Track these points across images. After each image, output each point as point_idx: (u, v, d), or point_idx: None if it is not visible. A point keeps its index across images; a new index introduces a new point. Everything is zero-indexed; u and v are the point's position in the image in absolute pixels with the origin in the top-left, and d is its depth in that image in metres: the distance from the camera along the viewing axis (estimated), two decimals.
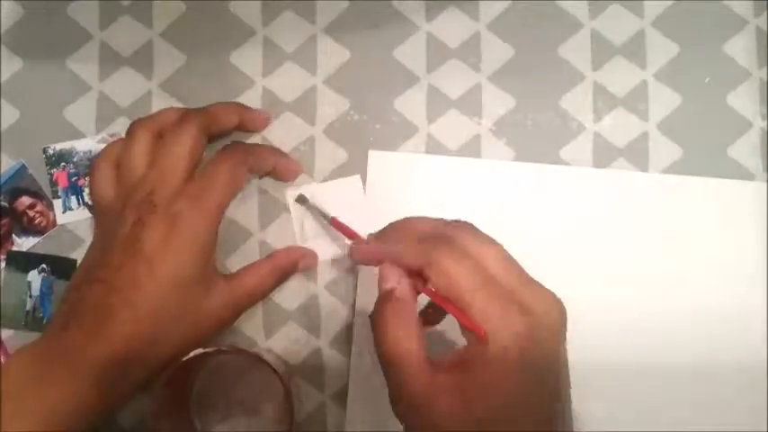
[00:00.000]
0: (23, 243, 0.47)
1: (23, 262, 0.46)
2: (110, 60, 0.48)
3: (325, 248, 0.45)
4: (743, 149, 0.46)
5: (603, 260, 0.45)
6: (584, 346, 0.43)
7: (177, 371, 0.39)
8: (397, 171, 0.46)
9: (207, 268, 0.39)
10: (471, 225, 0.36)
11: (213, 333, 0.40)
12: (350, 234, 0.42)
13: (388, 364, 0.33)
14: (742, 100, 0.46)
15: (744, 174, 0.46)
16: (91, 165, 0.43)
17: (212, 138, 0.44)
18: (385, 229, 0.38)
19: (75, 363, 0.35)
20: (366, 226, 0.41)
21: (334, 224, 0.43)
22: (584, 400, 0.43)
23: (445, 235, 0.34)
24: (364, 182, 0.46)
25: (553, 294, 0.33)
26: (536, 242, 0.45)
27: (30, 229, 0.47)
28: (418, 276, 0.35)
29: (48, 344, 0.36)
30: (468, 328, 0.32)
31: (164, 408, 0.40)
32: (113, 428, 0.44)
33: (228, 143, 0.43)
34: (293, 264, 0.44)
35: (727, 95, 0.46)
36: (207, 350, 0.38)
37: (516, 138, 0.46)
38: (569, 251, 0.45)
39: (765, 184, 0.45)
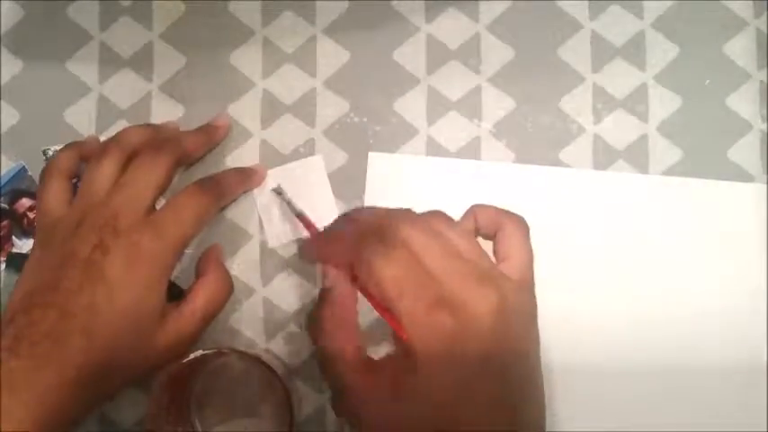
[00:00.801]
0: (23, 245, 0.47)
1: (23, 263, 0.46)
2: (110, 62, 0.48)
3: (288, 235, 0.46)
4: (743, 151, 0.46)
5: (603, 262, 0.45)
6: (584, 347, 0.44)
7: (177, 372, 0.39)
8: (397, 173, 0.46)
9: (162, 299, 0.38)
10: (410, 212, 0.34)
11: (167, 362, 0.38)
12: (312, 231, 0.42)
13: (324, 361, 0.33)
14: (742, 102, 0.46)
15: (744, 176, 0.46)
16: (43, 173, 0.41)
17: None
18: (336, 221, 0.38)
19: (24, 391, 0.33)
20: (329, 209, 0.43)
21: (301, 220, 0.43)
22: (585, 401, 0.43)
23: (381, 227, 0.32)
24: (363, 184, 0.46)
25: (495, 290, 0.31)
26: (536, 245, 0.45)
27: (30, 231, 0.47)
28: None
29: None
30: (394, 331, 0.32)
31: (163, 409, 0.40)
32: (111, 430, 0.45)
33: (203, 177, 0.43)
34: (219, 254, 0.44)
35: (728, 97, 0.46)
36: (206, 352, 0.38)
37: (516, 140, 0.46)
38: (569, 254, 0.45)
39: (765, 185, 0.45)
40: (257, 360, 0.40)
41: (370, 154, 0.46)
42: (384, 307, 0.32)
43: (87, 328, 0.35)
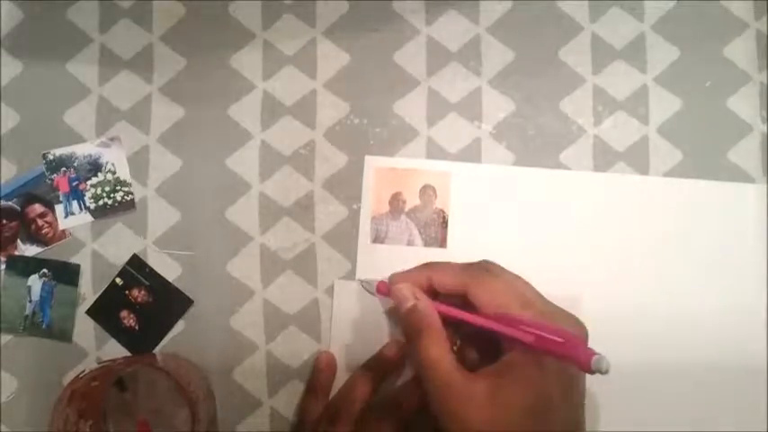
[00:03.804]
0: (26, 250, 0.46)
1: (24, 266, 0.46)
2: (110, 64, 0.48)
3: None
4: (743, 153, 0.46)
5: (606, 263, 0.45)
6: None
7: (80, 387, 0.39)
8: (394, 174, 0.46)
9: None
10: (496, 263, 0.40)
11: None
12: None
13: (422, 370, 0.36)
14: (742, 103, 0.46)
15: (744, 177, 0.46)
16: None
17: None
18: (410, 270, 0.42)
19: None
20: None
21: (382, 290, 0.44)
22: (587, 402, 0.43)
23: (479, 265, 0.39)
24: (360, 189, 0.46)
25: (578, 318, 0.37)
26: (539, 247, 0.45)
27: (36, 238, 0.46)
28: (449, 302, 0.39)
29: None
30: (515, 338, 0.35)
31: (71, 425, 0.40)
32: None
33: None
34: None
35: (728, 99, 0.46)
36: (103, 364, 0.39)
37: (516, 141, 0.46)
38: (570, 256, 0.45)
39: (765, 186, 0.45)
40: (158, 369, 0.40)
41: (367, 157, 0.46)
42: (503, 322, 0.36)
43: None
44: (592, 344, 0.42)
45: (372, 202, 0.46)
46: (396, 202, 0.46)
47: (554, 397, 0.34)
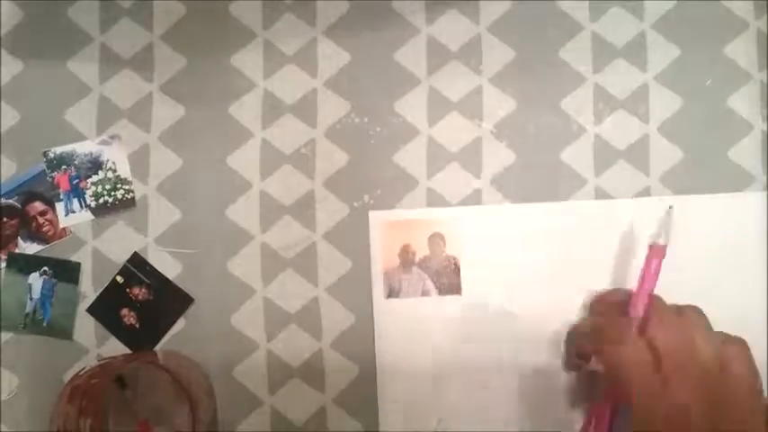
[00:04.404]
0: (27, 248, 0.46)
1: (24, 264, 0.46)
2: (110, 62, 0.48)
3: None
4: (743, 152, 0.46)
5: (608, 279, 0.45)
6: None
7: (81, 384, 0.39)
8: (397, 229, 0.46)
9: None
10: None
11: None
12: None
13: (616, 365, 0.38)
14: (743, 102, 0.46)
15: (744, 176, 0.46)
16: None
17: None
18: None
19: None
20: None
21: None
22: None
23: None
24: (364, 185, 0.46)
25: None
26: (550, 277, 0.45)
27: (36, 236, 0.47)
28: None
29: None
30: None
31: (71, 422, 0.40)
32: None
33: None
34: None
35: (728, 98, 0.46)
36: (103, 361, 0.39)
37: (517, 140, 0.46)
38: (580, 280, 0.45)
39: (765, 193, 0.45)
40: (159, 367, 0.40)
41: (371, 213, 0.46)
42: None
43: None
44: None
45: (382, 257, 0.46)
46: (405, 254, 0.46)
47: None
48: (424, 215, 0.46)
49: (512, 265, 0.45)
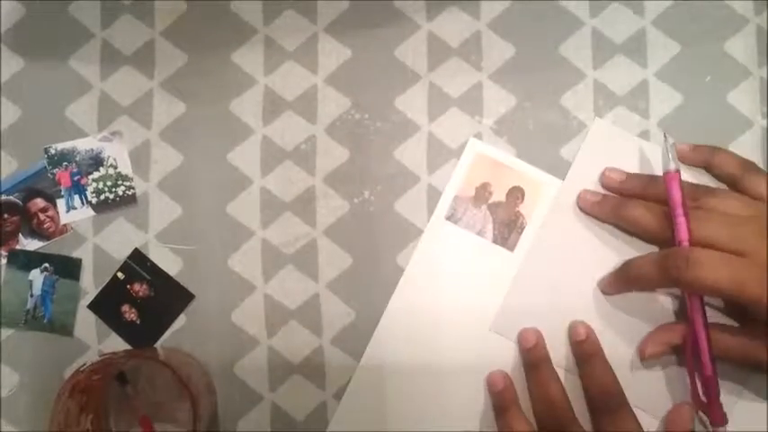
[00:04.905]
0: (28, 245, 0.47)
1: (25, 260, 0.46)
2: (111, 59, 0.48)
3: None
4: (743, 148, 0.46)
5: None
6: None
7: (80, 381, 0.39)
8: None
9: None
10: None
11: None
12: None
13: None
14: (742, 98, 0.46)
15: None
16: None
17: None
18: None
19: None
20: None
21: None
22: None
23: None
24: (365, 181, 0.46)
25: None
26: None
27: (37, 232, 0.47)
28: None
29: None
30: None
31: (72, 418, 0.40)
32: None
33: None
34: None
35: (728, 94, 0.46)
36: (104, 358, 0.39)
37: (517, 136, 0.46)
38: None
39: None
40: (161, 363, 0.40)
41: (471, 139, 0.46)
42: None
43: None
44: None
45: (462, 182, 0.46)
46: (482, 191, 0.46)
47: None
48: (517, 166, 0.46)
49: (578, 252, 0.45)
